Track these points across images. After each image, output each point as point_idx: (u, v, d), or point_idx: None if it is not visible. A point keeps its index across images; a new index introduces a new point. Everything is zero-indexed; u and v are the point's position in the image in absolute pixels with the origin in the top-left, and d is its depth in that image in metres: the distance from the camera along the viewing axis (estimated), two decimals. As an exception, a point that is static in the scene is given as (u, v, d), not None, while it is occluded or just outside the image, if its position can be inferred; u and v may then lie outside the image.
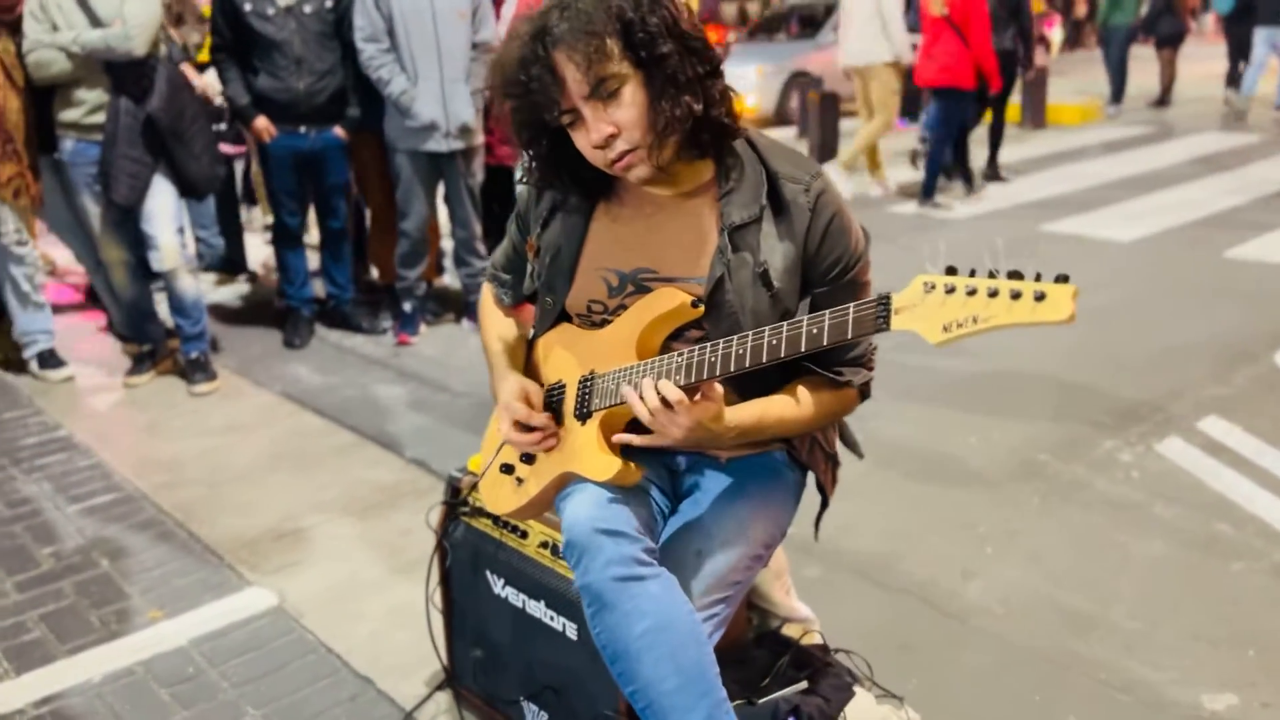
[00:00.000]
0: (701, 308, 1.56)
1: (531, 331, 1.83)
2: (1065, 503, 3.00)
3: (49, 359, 4.28)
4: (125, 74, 3.83)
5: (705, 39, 1.53)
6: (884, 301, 1.30)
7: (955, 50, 6.70)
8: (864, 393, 1.69)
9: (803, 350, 1.38)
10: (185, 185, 4.03)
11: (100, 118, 3.87)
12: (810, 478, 1.83)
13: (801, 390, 1.61)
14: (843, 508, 2.98)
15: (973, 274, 1.23)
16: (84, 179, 3.97)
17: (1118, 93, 11.55)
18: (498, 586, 2.03)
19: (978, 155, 7.95)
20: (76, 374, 4.32)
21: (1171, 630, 2.39)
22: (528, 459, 1.72)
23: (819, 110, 9.31)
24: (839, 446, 1.87)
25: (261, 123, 4.28)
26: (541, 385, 1.75)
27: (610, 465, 1.55)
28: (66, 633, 2.51)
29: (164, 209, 3.96)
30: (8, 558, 2.86)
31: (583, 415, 1.63)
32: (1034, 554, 2.73)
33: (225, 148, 4.92)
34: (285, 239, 4.62)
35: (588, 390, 1.64)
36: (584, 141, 1.51)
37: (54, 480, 3.34)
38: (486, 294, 1.93)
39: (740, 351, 1.43)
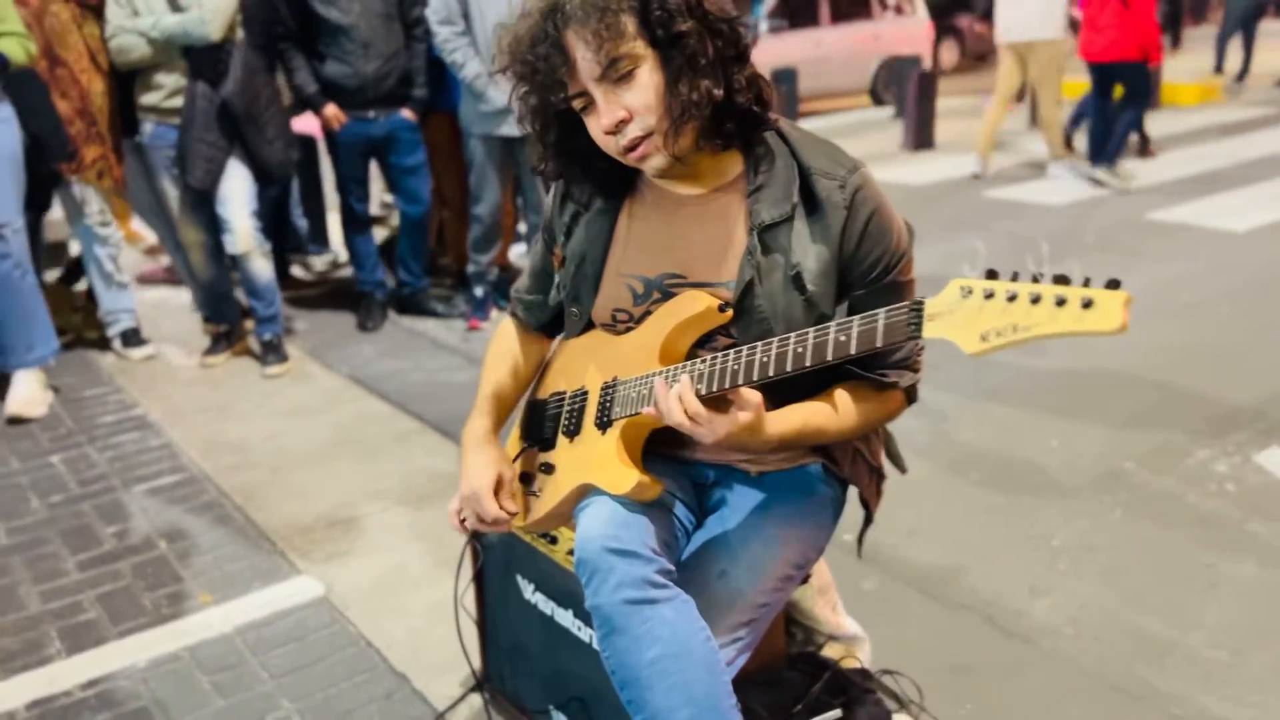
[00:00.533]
0: (729, 312, 1.46)
1: (535, 380, 1.79)
2: (1150, 516, 2.81)
3: (131, 337, 4.39)
4: (202, 59, 3.87)
5: (731, 19, 1.42)
6: (916, 307, 1.19)
7: (1124, 22, 6.40)
8: (910, 396, 1.57)
9: (829, 359, 1.28)
10: (259, 170, 4.07)
11: (178, 102, 3.92)
12: (852, 492, 1.72)
13: (843, 395, 1.50)
14: (908, 515, 2.86)
15: (1015, 278, 1.11)
16: (163, 162, 4.03)
17: (1241, 70, 10.92)
18: (528, 592, 1.97)
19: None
20: (158, 353, 4.42)
21: (1258, 663, 2.20)
22: (546, 469, 1.65)
23: (916, 91, 9.01)
24: (882, 457, 1.74)
25: (330, 110, 4.29)
26: (564, 391, 1.67)
27: (628, 478, 1.46)
28: (119, 614, 2.54)
29: (238, 193, 4.00)
30: (73, 536, 2.92)
31: (603, 424, 1.54)
32: (1111, 571, 2.56)
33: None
34: (353, 224, 4.63)
35: (609, 398, 1.55)
36: (595, 128, 1.42)
37: (125, 459, 3.41)
38: (502, 328, 1.86)
39: (764, 359, 1.33)
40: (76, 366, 4.30)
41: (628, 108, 1.39)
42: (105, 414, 3.80)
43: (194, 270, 4.31)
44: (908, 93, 9.20)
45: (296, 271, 5.59)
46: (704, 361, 1.39)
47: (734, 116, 1.43)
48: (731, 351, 1.37)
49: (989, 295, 1.11)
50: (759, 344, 1.34)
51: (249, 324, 4.41)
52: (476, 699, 2.16)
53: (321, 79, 4.30)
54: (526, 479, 1.69)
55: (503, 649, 2.12)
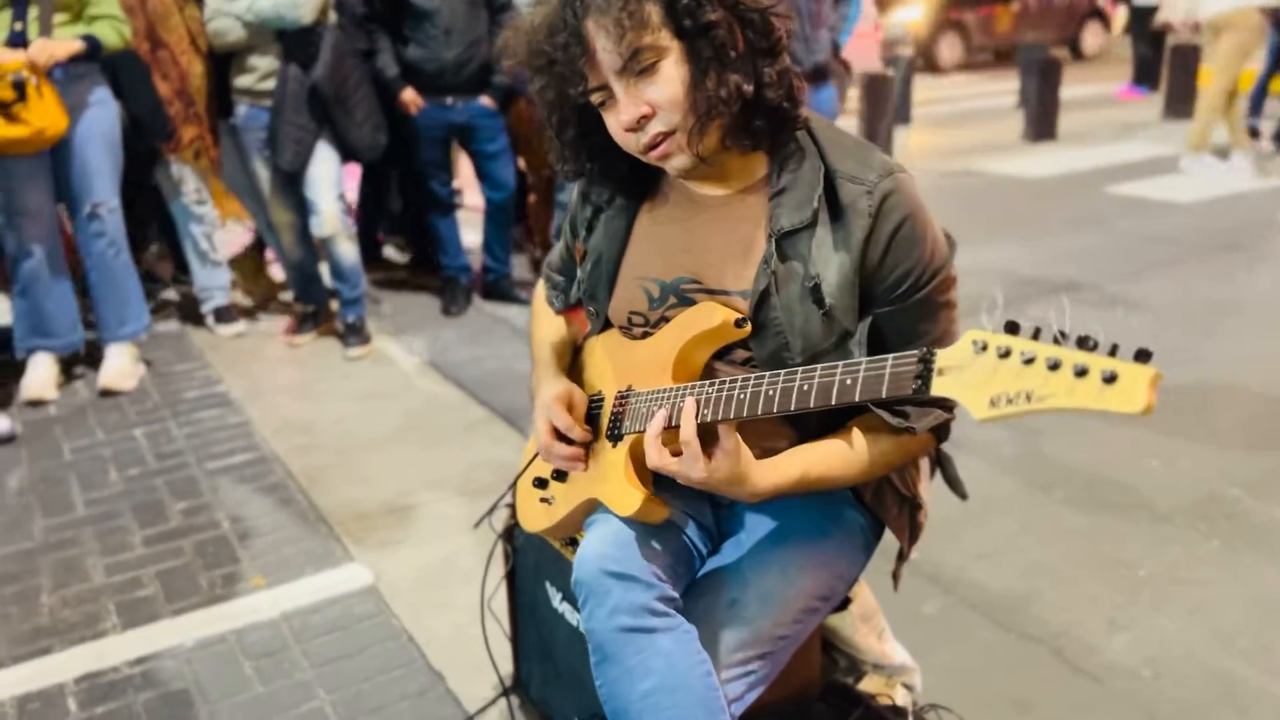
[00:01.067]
0: (748, 328, 1.36)
1: (581, 337, 1.67)
2: (1251, 549, 2.58)
3: (223, 314, 4.49)
4: (294, 42, 3.91)
5: (764, 9, 1.31)
6: (927, 359, 1.06)
7: None
8: (941, 435, 1.43)
9: (833, 402, 1.16)
10: (347, 152, 4.10)
11: (271, 84, 3.97)
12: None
13: (856, 435, 1.36)
14: (980, 534, 2.70)
15: (1036, 335, 0.98)
16: (255, 144, 4.10)
17: None
18: (556, 600, 1.90)
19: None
20: (248, 330, 4.52)
21: (1360, 723, 1.99)
22: (559, 476, 1.57)
23: (1039, 79, 8.59)
24: (925, 485, 1.60)
25: (409, 95, 4.29)
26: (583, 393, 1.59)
27: (632, 498, 1.37)
28: (175, 592, 2.58)
29: (325, 175, 4.04)
30: (144, 511, 2.99)
31: (614, 436, 1.46)
32: (1200, 607, 2.35)
33: None
34: (436, 208, 4.63)
35: (621, 409, 1.46)
36: (615, 124, 1.33)
37: (202, 435, 3.48)
38: (539, 291, 1.79)
39: (770, 393, 1.22)
40: (170, 341, 4.43)
41: (650, 103, 1.29)
42: (190, 389, 3.89)
43: (284, 251, 4.38)
44: (1030, 81, 8.81)
45: (389, 253, 5.65)
46: (712, 385, 1.29)
47: (763, 114, 1.32)
48: (739, 379, 1.26)
49: (1004, 354, 0.97)
50: (766, 375, 1.24)
51: (336, 305, 4.46)
52: (509, 702, 2.11)
53: (403, 62, 4.30)
54: (541, 484, 1.62)
55: (533, 655, 2.06)
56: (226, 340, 4.43)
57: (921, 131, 9.40)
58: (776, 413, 1.21)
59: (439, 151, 4.52)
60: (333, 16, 4.06)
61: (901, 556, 1.60)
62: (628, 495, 1.38)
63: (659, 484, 1.43)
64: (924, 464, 1.60)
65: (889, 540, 1.58)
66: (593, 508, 1.49)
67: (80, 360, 4.10)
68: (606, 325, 1.57)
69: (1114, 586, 2.45)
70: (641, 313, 1.47)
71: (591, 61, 1.29)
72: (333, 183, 4.07)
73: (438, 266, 4.82)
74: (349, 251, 4.16)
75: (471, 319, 4.63)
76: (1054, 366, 0.93)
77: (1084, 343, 0.94)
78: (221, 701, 2.18)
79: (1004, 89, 11.81)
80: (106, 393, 3.82)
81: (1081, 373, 0.91)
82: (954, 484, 1.72)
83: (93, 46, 3.45)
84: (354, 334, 4.22)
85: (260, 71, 4.00)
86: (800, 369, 1.20)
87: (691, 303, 1.42)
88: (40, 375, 3.75)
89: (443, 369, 4.01)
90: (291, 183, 4.10)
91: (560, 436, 1.51)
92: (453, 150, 4.76)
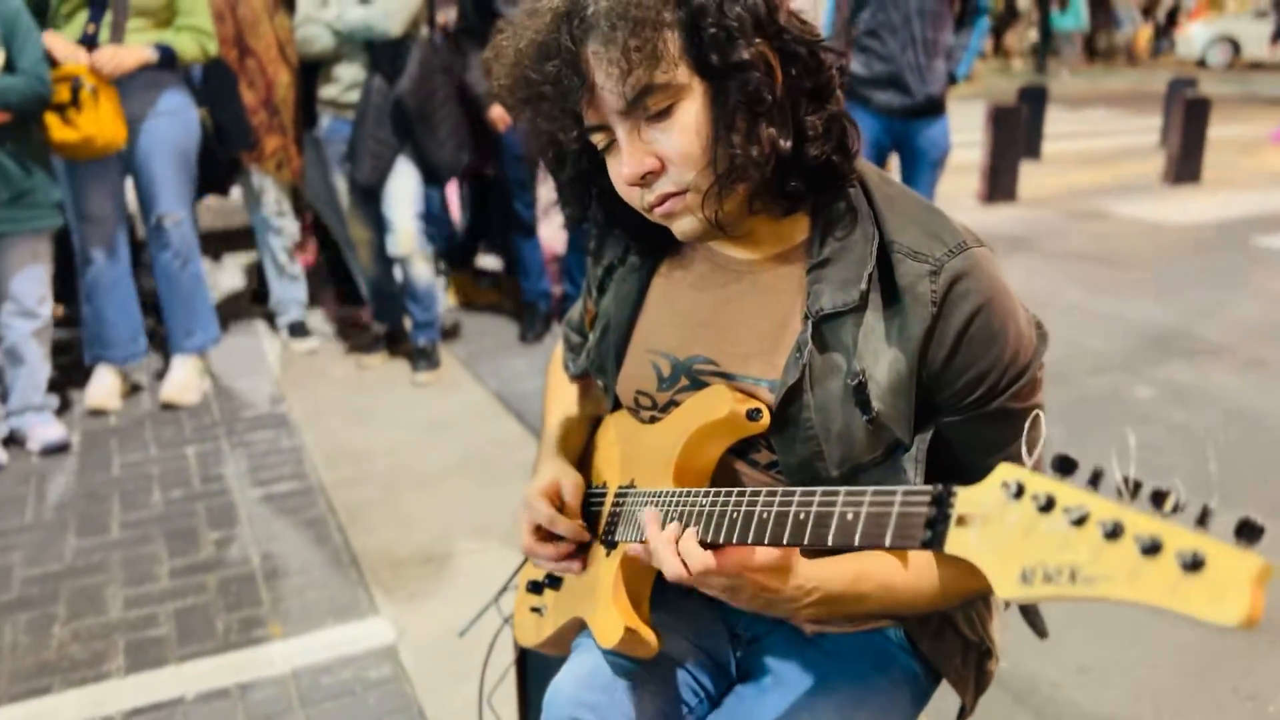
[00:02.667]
0: (764, 419, 1.08)
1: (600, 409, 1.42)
2: None
3: (298, 329, 4.39)
4: (382, 54, 3.78)
5: (814, 41, 1.03)
6: (943, 501, 0.78)
7: None
8: None
9: (829, 541, 0.87)
10: (428, 170, 3.95)
11: (356, 95, 3.85)
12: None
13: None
14: (1082, 647, 2.34)
15: (1095, 481, 0.68)
16: (336, 156, 3.98)
17: None
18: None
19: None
20: (320, 347, 4.41)
21: None
22: (553, 583, 1.32)
23: (1183, 115, 7.99)
24: (997, 625, 1.29)
25: (497, 111, 4.10)
26: (589, 483, 1.33)
27: (615, 628, 1.10)
28: (189, 634, 2.42)
29: (403, 193, 3.89)
30: (176, 538, 2.85)
31: (609, 544, 1.20)
32: (1348, 764, 1.96)
33: None
34: (519, 230, 4.44)
35: (619, 510, 1.20)
36: (616, 173, 1.06)
37: (252, 459, 3.34)
38: (555, 355, 1.54)
39: (764, 515, 0.94)
40: (240, 354, 4.33)
41: (659, 155, 1.01)
42: (250, 408, 3.78)
43: (360, 267, 4.26)
44: (1171, 117, 8.22)
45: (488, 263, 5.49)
46: (706, 495, 1.02)
47: (803, 172, 1.04)
48: (735, 492, 0.99)
49: (1045, 507, 0.68)
50: (764, 491, 0.96)
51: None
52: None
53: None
54: (535, 589, 1.37)
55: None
56: (298, 356, 4.33)
57: (1051, 167, 8.86)
58: (768, 542, 0.93)
59: (524, 170, 4.33)
60: (424, 30, 3.92)
61: (964, 713, 1.29)
62: (611, 622, 1.12)
63: (665, 598, 1.17)
64: (996, 599, 1.29)
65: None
66: (581, 626, 1.24)
67: (150, 371, 4.05)
68: (618, 403, 1.31)
69: (1235, 718, 2.07)
70: (649, 393, 1.21)
71: (591, 97, 1.02)
72: (411, 201, 3.92)
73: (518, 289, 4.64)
74: (424, 273, 4.01)
75: (547, 347, 4.42)
76: (1113, 534, 0.64)
77: (1160, 501, 0.64)
78: (208, 770, 2.00)
79: (1144, 125, 11.13)
80: (168, 406, 3.74)
81: (1151, 550, 0.62)
82: (1033, 619, 1.40)
83: (166, 57, 3.37)
84: (424, 358, 4.05)
85: (345, 82, 3.88)
86: (799, 490, 0.92)
87: (704, 386, 1.15)
88: (104, 385, 3.69)
89: (508, 401, 3.80)
90: (370, 199, 3.96)
91: (549, 535, 1.26)
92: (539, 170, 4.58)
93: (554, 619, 1.29)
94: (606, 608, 1.13)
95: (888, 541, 0.82)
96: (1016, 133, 7.53)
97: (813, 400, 1.05)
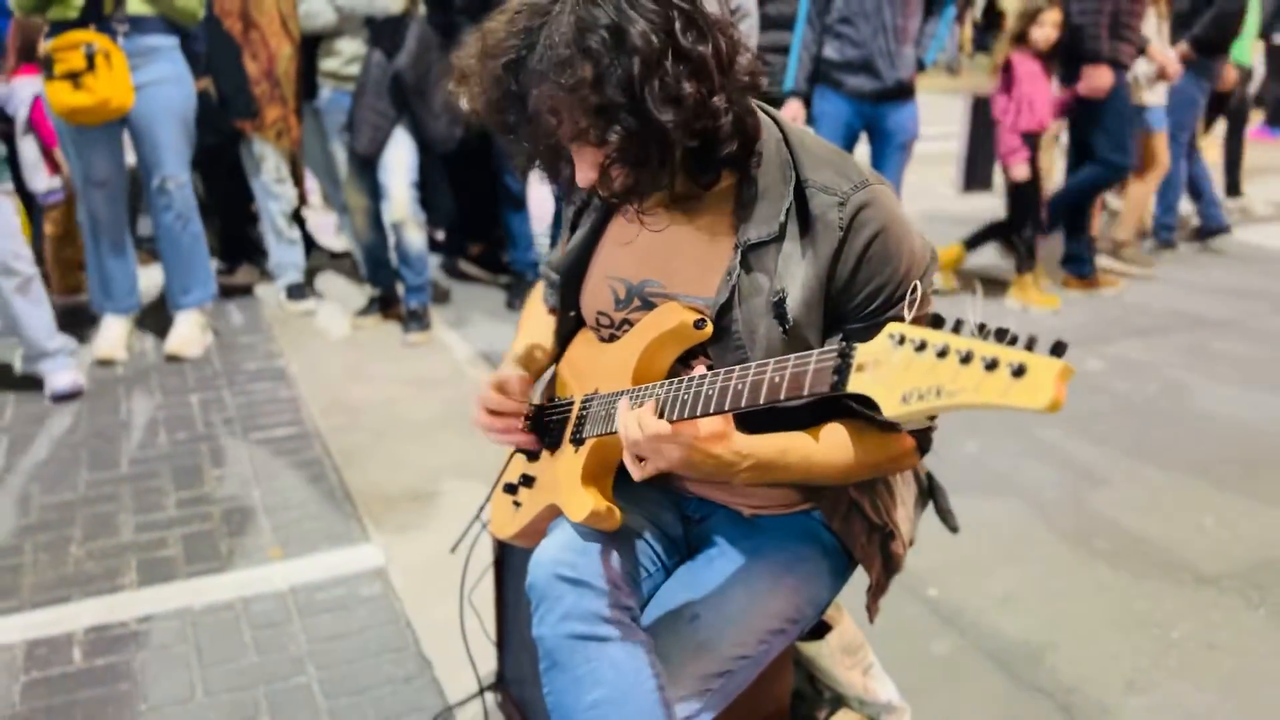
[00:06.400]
0: (708, 329, 1.31)
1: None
2: (1302, 622, 2.40)
3: (296, 291, 4.60)
4: (382, 29, 3.98)
5: (731, 38, 1.22)
6: (846, 354, 1.01)
7: None
8: (923, 445, 1.36)
9: (761, 401, 1.11)
10: (423, 142, 4.15)
11: (356, 69, 4.05)
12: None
13: (838, 429, 1.31)
14: (1009, 577, 2.58)
15: (957, 328, 0.92)
16: (335, 126, 4.18)
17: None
18: (532, 596, 1.88)
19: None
20: (317, 308, 4.62)
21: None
22: (526, 481, 1.55)
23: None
24: (905, 515, 1.52)
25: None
26: (555, 397, 1.57)
27: (584, 504, 1.34)
28: (196, 555, 2.64)
29: (400, 162, 4.09)
30: (182, 474, 3.07)
31: (576, 440, 1.43)
32: (1234, 679, 2.20)
33: None
34: (509, 202, 4.66)
35: (585, 412, 1.43)
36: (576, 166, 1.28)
37: (253, 406, 3.56)
38: (537, 288, 1.77)
39: (709, 392, 1.17)
40: (244, 313, 4.56)
41: (600, 165, 1.23)
42: (251, 361, 4.00)
43: (356, 233, 4.46)
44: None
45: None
46: (661, 386, 1.25)
47: (721, 158, 1.26)
48: (686, 380, 1.22)
49: (920, 347, 0.91)
50: (709, 375, 1.19)
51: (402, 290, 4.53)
52: (490, 698, 2.10)
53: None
54: (511, 489, 1.60)
55: (519, 651, 2.04)
56: (295, 317, 4.54)
57: None
58: (714, 411, 1.16)
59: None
60: (422, 8, 4.12)
61: (874, 589, 1.52)
62: (580, 500, 1.35)
63: (628, 489, 1.40)
64: (903, 491, 1.52)
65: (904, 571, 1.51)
66: (555, 514, 1.47)
67: (154, 326, 4.25)
68: (579, 325, 1.54)
69: (1141, 647, 2.31)
70: (607, 313, 1.44)
71: (548, 124, 1.21)
72: (407, 169, 4.12)
73: (504, 262, 4.85)
74: (417, 239, 4.22)
75: (533, 314, 4.64)
76: (966, 359, 0.87)
77: (1002, 335, 0.88)
78: (214, 666, 2.21)
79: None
80: (172, 358, 3.95)
81: (991, 366, 0.85)
82: (945, 516, 1.64)
83: None
84: (415, 320, 4.27)
85: (346, 56, 4.08)
86: (738, 368, 1.15)
87: (654, 307, 1.38)
88: (111, 336, 3.90)
89: (494, 360, 4.03)
90: (367, 167, 4.17)
91: (496, 415, 1.51)
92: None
93: (530, 510, 1.52)
94: (577, 490, 1.37)
95: (805, 390, 1.05)
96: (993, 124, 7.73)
97: (740, 315, 1.28)
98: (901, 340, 0.94)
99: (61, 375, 3.58)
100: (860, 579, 1.54)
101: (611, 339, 1.45)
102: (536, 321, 1.68)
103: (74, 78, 3.28)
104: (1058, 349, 0.83)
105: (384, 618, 2.40)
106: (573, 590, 1.33)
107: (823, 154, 1.30)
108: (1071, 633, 2.35)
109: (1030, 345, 0.85)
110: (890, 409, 0.93)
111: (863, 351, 0.99)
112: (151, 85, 3.65)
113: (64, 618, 2.39)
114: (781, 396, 1.08)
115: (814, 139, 1.34)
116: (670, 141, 1.18)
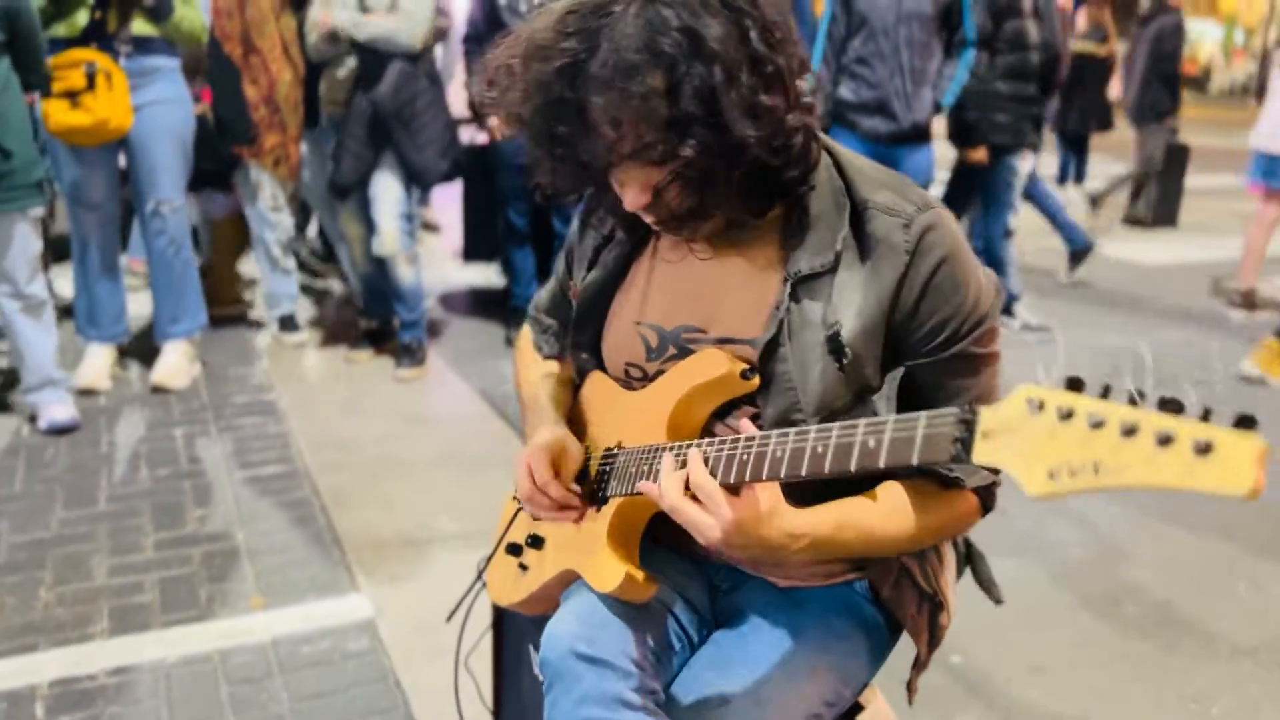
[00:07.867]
0: (755, 380, 1.18)
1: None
2: (1348, 700, 2.26)
3: (288, 322, 4.46)
4: (367, 60, 3.85)
5: (795, 54, 1.10)
6: (968, 420, 0.87)
7: None
8: (986, 503, 1.23)
9: (851, 468, 0.97)
10: (410, 174, 4.02)
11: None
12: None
13: (896, 489, 1.18)
14: (1037, 647, 2.43)
15: (1105, 394, 0.78)
16: (330, 155, 4.07)
17: None
18: (538, 667, 1.73)
19: None
20: (309, 340, 4.49)
21: None
22: (535, 542, 1.41)
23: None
24: (949, 581, 1.38)
25: (494, 121, 4.21)
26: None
27: (614, 573, 1.19)
28: (173, 602, 2.48)
29: (387, 195, 3.96)
30: (163, 512, 2.92)
31: (599, 500, 1.29)
32: (1280, 763, 2.06)
33: None
34: (513, 237, 4.54)
35: (608, 468, 1.30)
36: (618, 189, 1.16)
37: (239, 442, 3.41)
38: (524, 337, 1.62)
39: (778, 454, 1.03)
40: (233, 345, 4.42)
41: (653, 189, 1.12)
42: (240, 394, 3.85)
43: (353, 264, 4.34)
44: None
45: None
46: (712, 444, 1.11)
47: (776, 184, 1.15)
48: (743, 439, 1.08)
49: (1066, 415, 0.78)
50: (774, 434, 1.05)
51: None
52: (482, 770, 1.94)
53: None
54: (515, 550, 1.46)
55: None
56: (288, 348, 4.40)
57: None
58: (784, 478, 1.03)
59: (519, 179, 4.43)
60: (439, 49, 4.02)
61: (918, 664, 1.38)
62: (609, 568, 1.21)
63: (646, 554, 1.26)
64: (949, 557, 1.39)
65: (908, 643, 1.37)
66: (570, 580, 1.32)
67: (140, 354, 4.11)
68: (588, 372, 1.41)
69: (1180, 724, 2.17)
70: (639, 364, 1.31)
71: (600, 138, 1.08)
72: (394, 203, 3.97)
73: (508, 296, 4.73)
74: (408, 274, 4.07)
75: (533, 352, 4.51)
76: (1129, 432, 0.74)
77: (1167, 406, 0.74)
78: (187, 726, 2.06)
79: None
80: (158, 389, 3.80)
81: (1165, 440, 0.71)
82: (988, 587, 1.50)
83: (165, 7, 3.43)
84: (408, 355, 4.13)
85: (344, 84, 3.97)
86: (814, 428, 1.02)
87: (692, 354, 1.24)
88: (94, 365, 3.76)
89: (493, 400, 3.89)
90: (349, 199, 4.05)
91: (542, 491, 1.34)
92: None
93: (540, 575, 1.37)
94: (605, 555, 1.22)
95: (914, 459, 0.91)
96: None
97: (790, 354, 1.15)
98: (1041, 406, 0.80)
99: (59, 408, 3.42)
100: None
101: (642, 388, 1.31)
102: (542, 368, 1.53)
103: (72, 96, 3.17)
104: (1246, 422, 0.70)
105: (372, 675, 2.24)
106: (591, 670, 1.19)
107: (878, 176, 1.19)
108: (1106, 708, 2.21)
109: (1206, 417, 0.72)
110: (1035, 486, 0.79)
111: (988, 416, 0.85)
112: (151, 105, 3.54)
113: (28, 668, 2.23)
114: (880, 464, 0.94)
115: (866, 161, 1.22)
116: (745, 160, 1.06)
